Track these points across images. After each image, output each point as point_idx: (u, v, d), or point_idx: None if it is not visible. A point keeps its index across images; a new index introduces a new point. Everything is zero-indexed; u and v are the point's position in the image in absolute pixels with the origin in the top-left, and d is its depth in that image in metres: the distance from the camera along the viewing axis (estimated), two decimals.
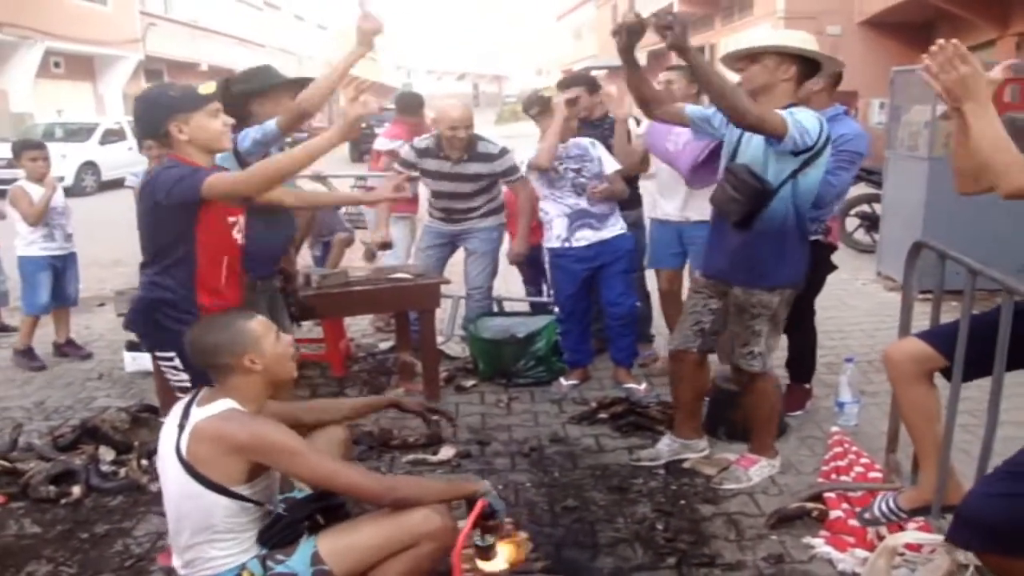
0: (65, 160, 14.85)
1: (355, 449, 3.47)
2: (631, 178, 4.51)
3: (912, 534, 2.64)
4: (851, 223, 8.39)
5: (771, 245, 3.10)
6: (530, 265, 5.20)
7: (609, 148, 4.33)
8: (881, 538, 2.72)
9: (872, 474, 3.26)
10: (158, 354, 2.72)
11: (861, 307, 6.23)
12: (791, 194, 3.04)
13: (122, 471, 3.52)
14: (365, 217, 6.24)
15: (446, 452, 3.69)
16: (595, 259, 4.29)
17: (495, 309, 5.28)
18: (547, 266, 4.53)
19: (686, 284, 4.30)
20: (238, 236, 2.75)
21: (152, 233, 2.67)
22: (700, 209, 4.10)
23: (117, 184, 13.49)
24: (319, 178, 6.42)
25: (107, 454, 3.63)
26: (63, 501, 3.31)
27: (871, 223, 8.24)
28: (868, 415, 3.99)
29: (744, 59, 3.06)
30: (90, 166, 16.21)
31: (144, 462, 3.51)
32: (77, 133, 16.93)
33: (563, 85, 4.67)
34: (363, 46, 3.39)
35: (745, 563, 2.80)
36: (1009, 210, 5.63)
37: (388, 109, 17.05)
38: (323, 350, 4.92)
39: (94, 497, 3.37)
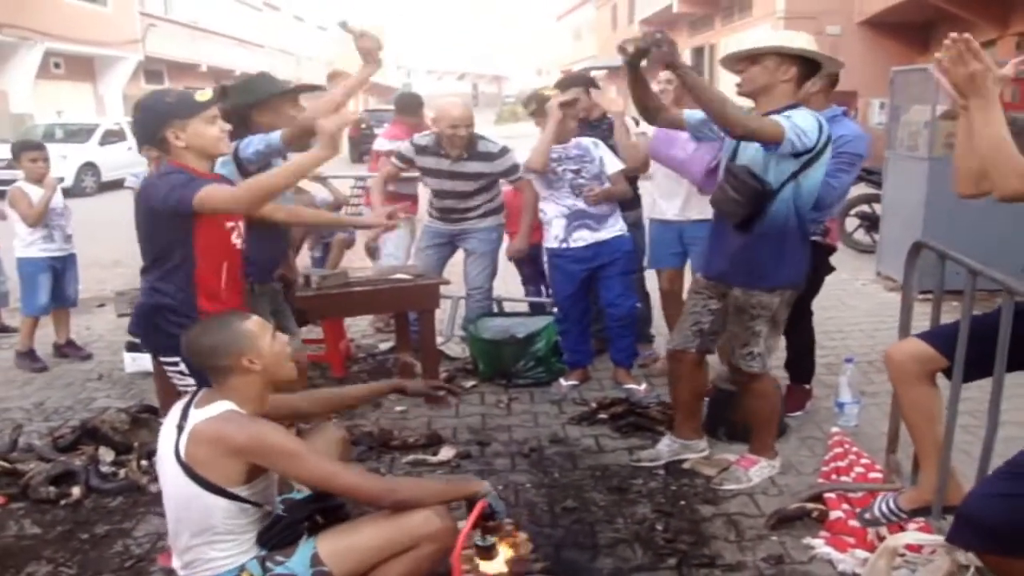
0: (65, 161, 14.85)
1: (355, 449, 3.48)
2: (631, 178, 4.51)
3: (912, 535, 2.64)
4: (851, 223, 8.39)
5: (772, 246, 3.10)
6: (530, 264, 5.20)
7: (611, 148, 4.32)
8: (881, 539, 2.72)
9: (872, 475, 3.26)
10: (162, 359, 2.73)
11: (861, 307, 6.23)
12: (792, 195, 3.04)
13: (122, 472, 3.52)
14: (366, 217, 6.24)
15: (446, 453, 3.69)
16: (593, 260, 4.29)
17: (495, 309, 5.28)
18: (546, 266, 4.53)
19: (687, 283, 4.30)
20: (237, 241, 2.75)
21: (150, 238, 2.67)
22: (700, 208, 4.10)
23: (117, 185, 13.50)
24: (319, 179, 6.41)
25: (107, 455, 3.63)
26: (63, 502, 3.31)
27: (871, 223, 8.24)
28: (868, 415, 3.99)
29: (744, 60, 3.06)
30: (90, 167, 16.22)
31: (144, 463, 3.51)
32: (77, 134, 16.93)
33: (562, 85, 4.67)
34: (370, 65, 3.39)
35: (745, 564, 2.80)
36: (1010, 210, 5.60)
37: (385, 110, 17.08)
38: (323, 351, 4.92)
39: (94, 498, 3.37)
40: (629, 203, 4.56)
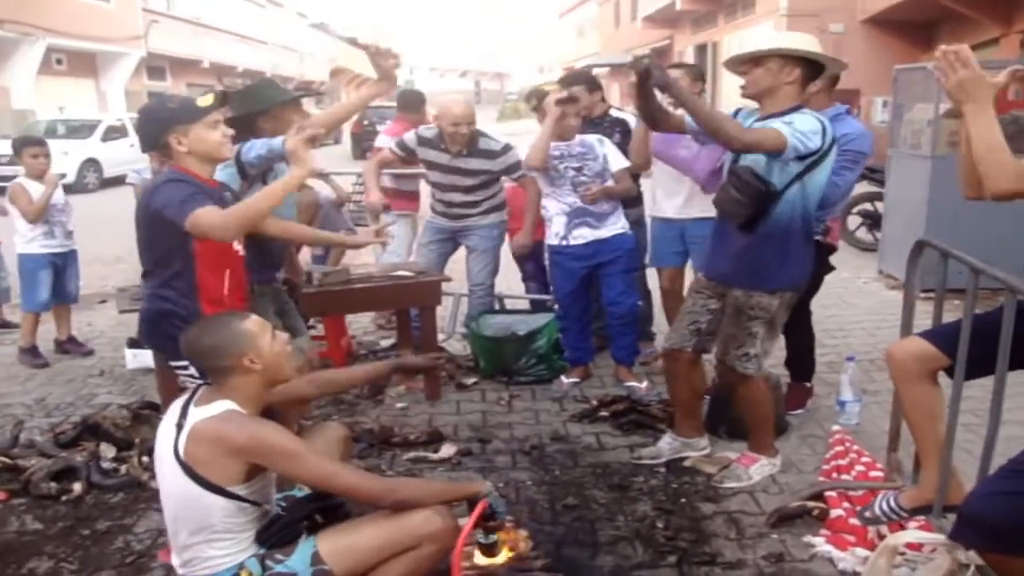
0: (67, 157, 14.87)
1: (356, 446, 3.48)
2: (634, 176, 4.50)
3: (913, 533, 2.63)
4: (853, 221, 8.38)
5: (775, 247, 3.09)
6: (532, 261, 5.20)
7: (616, 146, 4.32)
8: (882, 537, 2.72)
9: (873, 473, 3.25)
10: (173, 364, 2.74)
11: (863, 306, 6.22)
12: (797, 196, 3.02)
13: (123, 468, 3.52)
14: (366, 215, 6.23)
15: (447, 450, 3.69)
16: (593, 257, 4.29)
17: (496, 307, 5.27)
18: (547, 263, 4.53)
19: (688, 282, 4.29)
20: (239, 247, 2.76)
21: (150, 245, 2.68)
22: (702, 206, 4.09)
23: (119, 181, 13.47)
24: (322, 176, 6.41)
25: (108, 451, 3.63)
26: (64, 498, 3.31)
27: (873, 221, 8.23)
28: (869, 414, 3.99)
29: (748, 62, 3.05)
30: (92, 163, 16.22)
31: (145, 459, 3.51)
32: (79, 130, 16.94)
33: (564, 83, 4.67)
34: (384, 83, 3.35)
35: (745, 562, 2.80)
36: (1012, 209, 5.59)
37: (387, 107, 17.08)
38: (324, 348, 4.92)
39: (95, 494, 3.37)
40: (631, 201, 4.56)
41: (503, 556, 2.40)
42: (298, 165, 2.67)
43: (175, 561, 2.25)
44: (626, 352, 4.49)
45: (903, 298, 3.06)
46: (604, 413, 4.04)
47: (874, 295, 6.59)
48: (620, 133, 4.53)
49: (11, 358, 5.23)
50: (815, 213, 3.21)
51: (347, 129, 23.02)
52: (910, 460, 2.96)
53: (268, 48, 34.28)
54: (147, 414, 3.92)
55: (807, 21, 17.84)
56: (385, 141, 5.83)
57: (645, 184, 4.76)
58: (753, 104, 3.16)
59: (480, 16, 69.67)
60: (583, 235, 4.28)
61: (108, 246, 8.33)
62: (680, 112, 3.39)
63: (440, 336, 4.89)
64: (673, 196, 4.37)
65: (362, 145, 19.66)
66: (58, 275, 5.29)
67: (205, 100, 2.69)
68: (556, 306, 4.68)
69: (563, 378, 4.53)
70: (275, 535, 2.20)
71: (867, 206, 8.36)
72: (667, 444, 3.60)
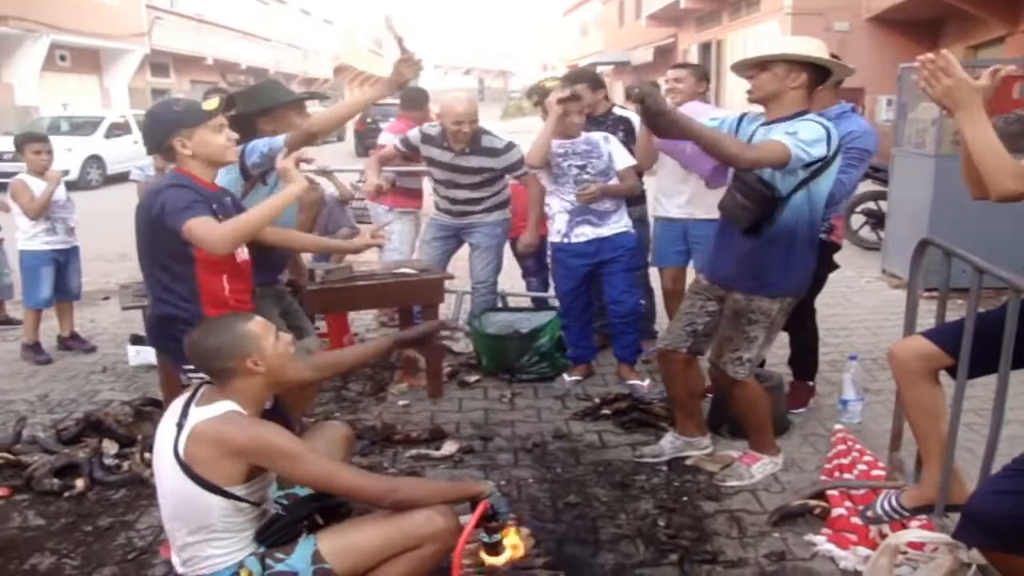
0: (70, 154, 14.88)
1: (357, 444, 3.48)
2: (638, 173, 4.50)
3: (915, 532, 2.63)
4: (856, 220, 8.37)
5: (779, 253, 3.07)
6: (534, 257, 5.20)
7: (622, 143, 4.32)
8: (883, 536, 2.71)
9: (875, 472, 3.25)
10: (184, 368, 2.74)
11: (866, 304, 6.21)
12: (803, 202, 3.00)
13: (125, 464, 3.52)
14: (370, 212, 6.23)
15: (449, 447, 3.69)
16: (595, 255, 4.29)
17: (499, 304, 5.28)
18: (549, 261, 4.53)
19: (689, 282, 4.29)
20: (241, 252, 2.75)
21: (151, 249, 2.68)
22: (705, 207, 4.09)
23: (122, 178, 13.52)
24: (325, 173, 6.42)
25: (110, 447, 3.63)
26: (66, 494, 3.32)
27: (877, 220, 8.22)
28: (872, 413, 3.98)
29: (754, 67, 3.04)
30: (95, 160, 16.23)
31: (147, 455, 3.50)
32: (83, 127, 16.95)
33: (567, 80, 4.66)
34: (392, 86, 3.35)
35: (747, 560, 2.80)
36: (1015, 209, 5.58)
37: (391, 104, 17.08)
38: (327, 345, 4.92)
39: (97, 490, 3.38)
40: (634, 199, 4.56)
41: (508, 555, 2.40)
42: (291, 183, 2.70)
43: (175, 560, 2.24)
44: (628, 350, 4.49)
45: (906, 297, 3.05)
46: (606, 411, 4.04)
47: (877, 294, 6.58)
48: (624, 131, 4.53)
49: (14, 354, 5.24)
50: (820, 218, 3.19)
51: (350, 127, 23.03)
52: (912, 459, 2.96)
53: (272, 45, 34.30)
54: (149, 411, 3.92)
55: (811, 20, 17.81)
56: (388, 139, 5.83)
57: (648, 182, 4.76)
58: (758, 108, 3.14)
59: (484, 14, 69.65)
60: (584, 233, 4.27)
61: (111, 243, 8.34)
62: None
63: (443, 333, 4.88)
64: (676, 195, 4.37)
65: (365, 142, 19.68)
66: (60, 272, 5.29)
67: (211, 104, 2.69)
68: (558, 303, 4.68)
69: (565, 376, 4.53)
70: (275, 534, 2.19)
71: (871, 205, 8.35)
72: (669, 442, 3.59)
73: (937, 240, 2.84)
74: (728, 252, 3.21)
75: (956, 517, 2.20)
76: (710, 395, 3.85)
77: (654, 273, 4.80)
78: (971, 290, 2.44)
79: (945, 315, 2.81)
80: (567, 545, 2.90)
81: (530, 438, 3.84)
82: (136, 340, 4.98)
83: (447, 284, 4.67)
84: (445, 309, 5.15)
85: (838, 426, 3.77)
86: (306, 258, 5.55)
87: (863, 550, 2.74)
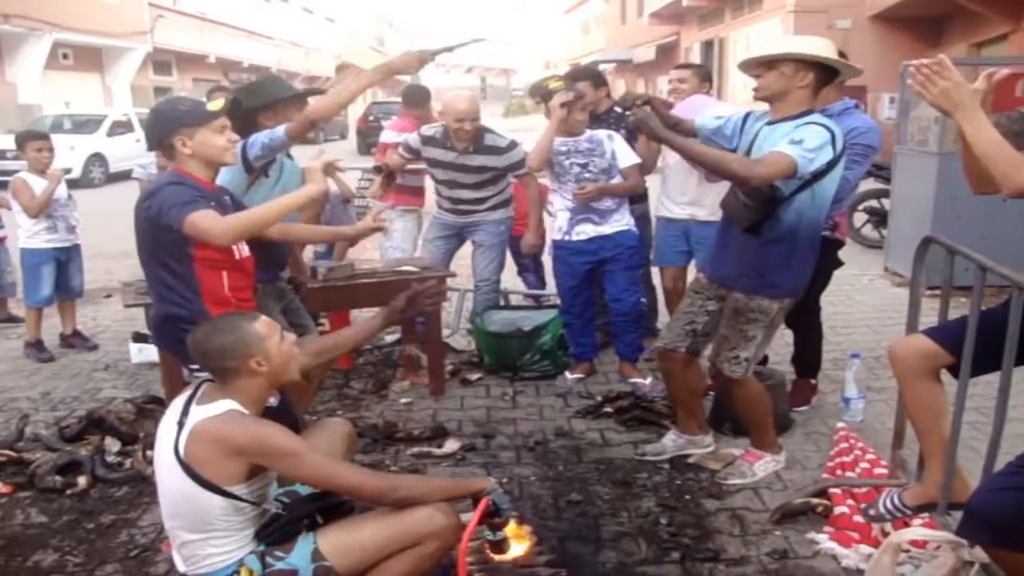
0: (73, 152, 14.89)
1: (359, 442, 3.48)
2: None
3: (917, 530, 2.63)
4: (859, 218, 8.36)
5: (781, 253, 3.06)
6: (531, 254, 5.21)
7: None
8: (886, 534, 2.71)
9: (877, 470, 3.25)
10: (189, 367, 2.75)
11: (868, 303, 6.20)
12: (806, 202, 2.99)
13: (127, 462, 3.53)
14: (371, 211, 6.24)
15: (451, 445, 3.69)
16: (596, 253, 4.29)
17: (501, 302, 5.27)
18: (550, 258, 4.53)
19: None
20: (240, 250, 2.75)
21: (150, 247, 2.67)
22: (708, 209, 4.08)
23: (125, 176, 13.51)
24: (335, 169, 6.41)
25: (113, 445, 3.64)
26: (69, 491, 3.33)
27: (879, 218, 8.20)
28: (874, 411, 3.98)
29: (761, 65, 3.03)
30: (98, 158, 16.23)
31: (149, 453, 3.50)
32: (85, 125, 16.95)
33: (569, 78, 4.66)
34: (390, 71, 3.35)
35: (749, 558, 2.80)
36: (1019, 207, 5.59)
37: (393, 102, 17.11)
38: None
39: (100, 487, 3.38)
40: (637, 196, 4.55)
41: (514, 553, 2.40)
42: (311, 183, 2.69)
43: (175, 558, 2.25)
44: (630, 348, 4.49)
45: (909, 295, 3.05)
46: (608, 409, 4.04)
47: (880, 292, 6.58)
48: (626, 128, 4.52)
49: (17, 352, 5.25)
50: (824, 217, 3.19)
51: (352, 125, 23.05)
52: (914, 457, 2.96)
53: (274, 43, 34.28)
54: (151, 408, 3.93)
55: (814, 17, 17.76)
56: (390, 136, 5.84)
57: (651, 181, 4.75)
58: (762, 106, 3.14)
59: (486, 12, 69.66)
60: (585, 231, 4.27)
61: (113, 241, 8.34)
62: (690, 123, 3.39)
63: (445, 332, 4.88)
64: (679, 196, 4.36)
65: (367, 140, 19.69)
66: (62, 270, 5.30)
67: (216, 105, 2.70)
68: (558, 301, 4.68)
69: (567, 374, 4.53)
70: (275, 533, 2.19)
71: (873, 203, 8.33)
72: (671, 440, 3.59)
73: (940, 238, 2.83)
74: (730, 251, 3.21)
75: (959, 515, 2.19)
76: (712, 393, 3.85)
77: (656, 271, 4.80)
78: (974, 288, 2.43)
79: (948, 313, 2.81)
80: (569, 543, 2.91)
81: (532, 436, 3.84)
82: (138, 338, 4.99)
83: (449, 282, 4.67)
84: (448, 307, 5.15)
85: (840, 424, 3.77)
86: (308, 256, 5.56)
87: (865, 548, 2.74)
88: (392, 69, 3.39)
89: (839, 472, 3.31)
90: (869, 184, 7.99)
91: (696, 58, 24.96)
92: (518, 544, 2.42)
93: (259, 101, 3.41)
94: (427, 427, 3.87)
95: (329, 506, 2.30)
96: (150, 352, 4.71)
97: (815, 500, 3.05)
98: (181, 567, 2.22)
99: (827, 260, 3.69)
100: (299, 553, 2.15)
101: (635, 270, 4.43)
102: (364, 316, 5.78)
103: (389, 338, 5.37)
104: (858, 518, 2.87)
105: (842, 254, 3.99)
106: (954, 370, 2.52)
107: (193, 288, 2.64)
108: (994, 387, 2.39)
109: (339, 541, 2.17)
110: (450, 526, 2.18)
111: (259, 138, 3.24)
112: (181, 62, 28.51)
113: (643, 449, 3.61)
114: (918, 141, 6.84)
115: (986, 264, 2.41)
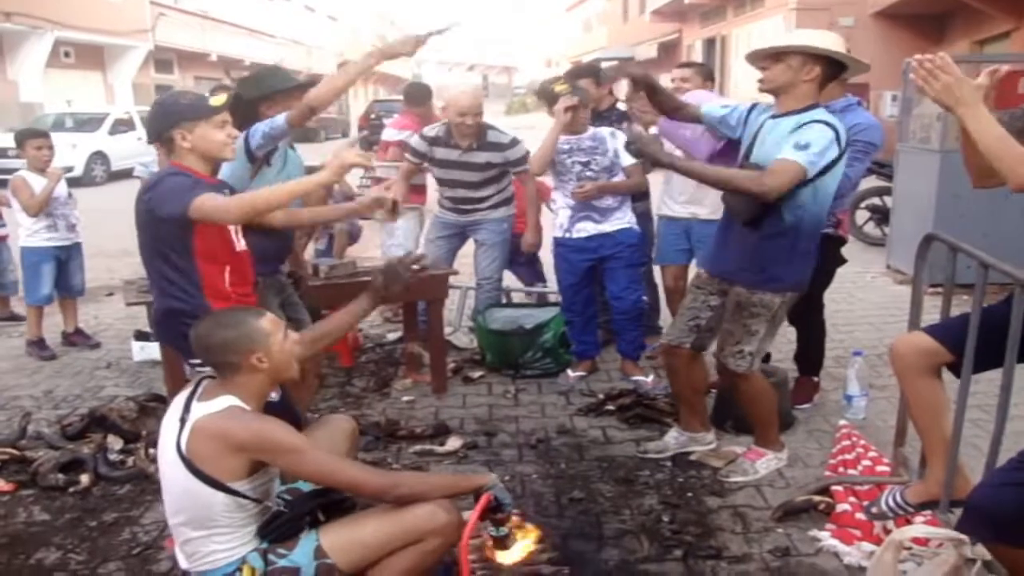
0: (75, 150, 14.90)
1: (361, 440, 3.48)
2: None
3: (919, 528, 2.62)
4: (861, 216, 8.35)
5: (782, 247, 3.06)
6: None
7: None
8: (888, 532, 2.71)
9: (880, 468, 3.25)
10: (191, 362, 2.75)
11: (870, 300, 6.20)
12: (808, 196, 2.98)
13: (130, 460, 3.54)
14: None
15: (453, 443, 3.69)
16: (596, 251, 4.29)
17: (503, 300, 5.27)
18: (552, 255, 4.53)
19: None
20: (240, 243, 2.76)
21: (152, 241, 2.68)
22: (709, 208, 4.08)
23: (126, 174, 13.53)
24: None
25: (115, 443, 3.65)
26: (71, 489, 3.33)
27: (882, 216, 8.19)
28: (876, 409, 3.97)
29: (768, 57, 3.02)
30: (99, 156, 16.23)
31: (151, 451, 3.51)
32: (87, 123, 16.96)
33: (571, 75, 4.66)
34: (385, 56, 3.36)
35: (751, 556, 2.80)
36: (1021, 204, 5.59)
37: (394, 100, 17.10)
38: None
39: (102, 485, 3.39)
40: (639, 194, 4.55)
41: (519, 549, 2.40)
42: (328, 172, 2.67)
43: (178, 555, 2.25)
44: (632, 346, 4.49)
45: (911, 293, 3.05)
46: (610, 407, 4.04)
47: (882, 290, 6.57)
48: (628, 125, 4.52)
49: (19, 350, 5.25)
50: (825, 213, 3.18)
51: (354, 124, 23.04)
52: (916, 455, 2.96)
53: (276, 41, 34.27)
54: (154, 406, 3.94)
55: (817, 15, 17.74)
56: (391, 134, 5.84)
57: (654, 179, 4.74)
58: (768, 99, 3.13)
59: (488, 10, 69.64)
60: (585, 229, 4.27)
61: (115, 239, 8.34)
62: (696, 105, 3.39)
63: (447, 329, 4.88)
64: (680, 194, 4.36)
65: (369, 139, 19.68)
66: (62, 268, 5.30)
67: (217, 100, 2.70)
68: (554, 296, 4.68)
69: (569, 372, 4.53)
70: (277, 530, 2.19)
71: (875, 201, 8.32)
72: (673, 438, 3.59)
73: (942, 235, 2.83)
74: (731, 246, 3.21)
75: (961, 513, 2.19)
76: (714, 391, 3.85)
77: (658, 269, 4.80)
78: (976, 285, 2.43)
79: (950, 311, 2.80)
80: (571, 541, 2.91)
81: (534, 434, 3.84)
82: (140, 336, 4.99)
83: (451, 280, 4.67)
84: (450, 305, 5.15)
85: (842, 422, 3.77)
86: (309, 254, 5.57)
87: (867, 546, 2.74)
88: (386, 53, 3.41)
89: (841, 470, 3.30)
90: (871, 182, 7.98)
91: (698, 55, 24.95)
92: (521, 540, 2.42)
93: (259, 92, 3.43)
94: (429, 425, 3.87)
95: (331, 503, 2.30)
96: (152, 350, 4.71)
97: (817, 498, 3.05)
98: (184, 564, 2.22)
99: (830, 258, 3.68)
100: (302, 550, 2.15)
101: (636, 268, 4.43)
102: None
103: (392, 336, 5.37)
104: (860, 516, 2.87)
105: (844, 252, 3.99)
106: (954, 368, 2.52)
107: (194, 282, 2.64)
108: (996, 385, 2.39)
109: (341, 538, 2.17)
110: (452, 523, 2.19)
111: (260, 127, 3.26)
112: (183, 60, 28.50)
113: (645, 447, 3.61)
114: (920, 139, 6.84)
115: (988, 261, 2.41)
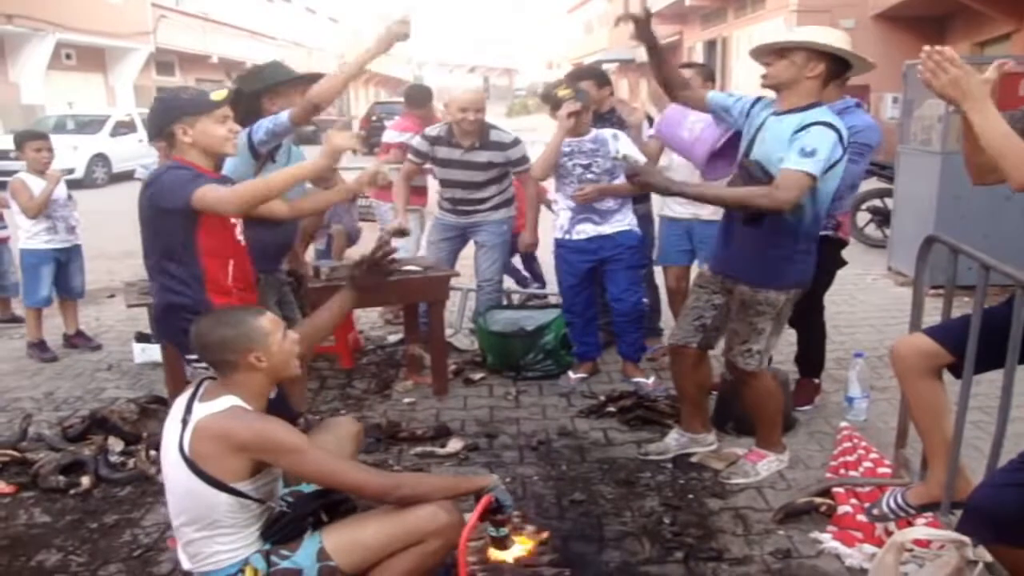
0: (76, 152, 14.92)
1: (363, 441, 3.48)
2: None
3: (921, 530, 2.62)
4: (862, 218, 8.35)
5: (784, 245, 3.06)
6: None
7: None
8: (889, 534, 2.71)
9: (881, 469, 3.24)
10: (188, 357, 2.76)
11: (871, 302, 6.20)
12: (808, 198, 2.98)
13: (131, 462, 3.53)
14: (374, 210, 6.25)
15: (454, 444, 3.69)
16: (596, 252, 4.29)
17: (504, 302, 5.27)
18: (552, 256, 4.53)
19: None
20: (241, 238, 2.77)
21: (155, 236, 2.68)
22: (711, 208, 4.07)
23: (128, 176, 13.55)
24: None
25: (116, 445, 3.65)
26: (72, 491, 3.33)
27: (883, 218, 8.19)
28: (877, 410, 3.97)
29: (772, 53, 3.02)
30: (101, 158, 16.23)
31: (152, 453, 3.52)
32: (88, 125, 16.96)
33: (572, 77, 4.66)
34: (381, 47, 3.39)
35: (752, 557, 2.80)
36: (1022, 205, 5.59)
37: (395, 102, 17.09)
38: (332, 342, 4.92)
39: (103, 487, 3.39)
40: (640, 196, 4.55)
41: (517, 550, 2.39)
42: (325, 156, 2.70)
43: (181, 556, 2.25)
44: (632, 348, 4.49)
45: (912, 294, 3.04)
46: (611, 409, 4.03)
47: (883, 291, 6.57)
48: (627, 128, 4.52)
49: (20, 352, 5.26)
50: (824, 213, 3.19)
51: (355, 124, 23.05)
52: (918, 457, 2.95)
53: (277, 44, 34.26)
54: (155, 408, 3.93)
55: (818, 17, 17.72)
56: (392, 136, 5.85)
57: None
58: (771, 94, 3.12)
59: (489, 12, 69.69)
60: (585, 230, 4.27)
61: (116, 241, 8.35)
62: (702, 91, 3.40)
63: (448, 331, 4.88)
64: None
65: (370, 140, 19.67)
66: (62, 270, 5.29)
67: (218, 95, 2.72)
68: (556, 300, 4.68)
69: (570, 374, 4.52)
70: (280, 531, 2.19)
71: (876, 202, 8.32)
72: (674, 440, 3.59)
73: (943, 237, 2.83)
74: (733, 244, 3.21)
75: (961, 514, 2.19)
76: (715, 392, 3.85)
77: (659, 271, 4.80)
78: (977, 287, 2.43)
79: (951, 312, 2.80)
80: (572, 542, 2.90)
81: (535, 436, 3.83)
82: (141, 338, 4.99)
83: (452, 282, 4.66)
84: (451, 306, 5.15)
85: (844, 423, 3.76)
86: (310, 255, 5.57)
87: (869, 548, 2.73)
88: (383, 43, 3.43)
89: (842, 471, 3.30)
90: (872, 183, 7.98)
91: (699, 57, 24.96)
92: (522, 542, 2.42)
93: (262, 84, 3.46)
94: (430, 427, 3.87)
95: (332, 503, 2.30)
96: (153, 352, 4.71)
97: (818, 499, 3.05)
98: (186, 564, 2.22)
99: (830, 259, 3.68)
100: (305, 552, 2.15)
101: (636, 270, 4.43)
102: (366, 316, 5.81)
103: (392, 338, 5.37)
104: (861, 517, 2.86)
105: (845, 253, 3.99)
106: (955, 369, 2.52)
107: (197, 277, 2.65)
108: (997, 386, 2.39)
109: (343, 540, 2.18)
110: (453, 524, 2.19)
111: (264, 123, 3.28)
112: (184, 62, 28.51)
113: (646, 448, 3.61)
114: (921, 140, 6.83)
115: (989, 263, 2.41)
